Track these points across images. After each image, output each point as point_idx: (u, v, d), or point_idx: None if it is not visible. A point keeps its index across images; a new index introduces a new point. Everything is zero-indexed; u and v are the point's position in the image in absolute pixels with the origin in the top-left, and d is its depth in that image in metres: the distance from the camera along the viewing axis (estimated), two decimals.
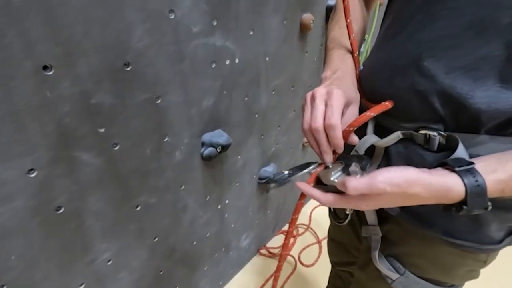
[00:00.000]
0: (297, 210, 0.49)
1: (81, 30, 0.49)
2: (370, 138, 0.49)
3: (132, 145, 0.66)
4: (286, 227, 1.70)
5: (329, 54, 0.54)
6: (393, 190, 0.35)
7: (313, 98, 0.43)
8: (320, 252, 1.54)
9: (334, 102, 0.41)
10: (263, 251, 1.52)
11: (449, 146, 0.40)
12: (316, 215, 1.77)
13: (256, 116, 1.02)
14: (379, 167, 0.50)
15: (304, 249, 1.55)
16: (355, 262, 0.68)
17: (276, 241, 1.60)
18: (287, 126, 1.24)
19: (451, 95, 0.39)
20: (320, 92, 0.43)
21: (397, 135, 0.46)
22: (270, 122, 1.11)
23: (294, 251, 1.54)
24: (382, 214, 0.54)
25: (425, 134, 0.42)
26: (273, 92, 1.05)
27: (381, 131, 0.50)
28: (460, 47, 0.38)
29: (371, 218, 0.54)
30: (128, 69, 0.58)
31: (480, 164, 0.35)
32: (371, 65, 0.51)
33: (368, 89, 0.51)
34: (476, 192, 0.33)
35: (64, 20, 0.47)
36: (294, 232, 1.66)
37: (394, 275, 0.53)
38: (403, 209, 0.48)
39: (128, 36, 0.56)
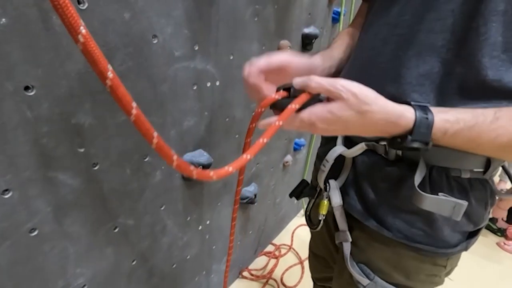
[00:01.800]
0: (248, 134, 0.51)
1: (63, 53, 0.51)
2: (338, 149, 0.53)
3: (111, 165, 0.66)
4: (268, 248, 1.68)
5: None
6: (348, 97, 0.37)
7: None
8: (302, 272, 1.53)
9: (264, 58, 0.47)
10: (245, 273, 1.49)
11: (407, 158, 0.44)
12: (298, 235, 1.78)
13: (237, 136, 1.04)
14: (348, 177, 0.54)
15: (286, 270, 1.54)
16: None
17: (258, 263, 1.58)
18: (267, 146, 1.26)
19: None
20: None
21: (361, 146, 0.50)
22: (250, 142, 1.13)
23: (277, 272, 1.53)
24: (350, 222, 0.57)
25: (385, 145, 0.46)
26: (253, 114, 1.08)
27: (349, 142, 0.54)
28: (405, 67, 0.44)
29: (342, 225, 0.57)
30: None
31: (434, 107, 0.39)
32: (346, 72, 0.56)
33: None
34: (423, 124, 0.37)
35: (47, 43, 0.48)
36: (277, 253, 1.65)
37: (365, 281, 0.56)
38: (368, 212, 0.51)
39: (110, 60, 0.58)
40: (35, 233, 0.56)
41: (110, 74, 0.29)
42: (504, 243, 1.92)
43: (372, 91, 0.39)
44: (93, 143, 0.60)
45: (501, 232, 2.01)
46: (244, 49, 0.91)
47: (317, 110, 0.40)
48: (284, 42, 1.07)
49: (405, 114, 0.38)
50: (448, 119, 0.37)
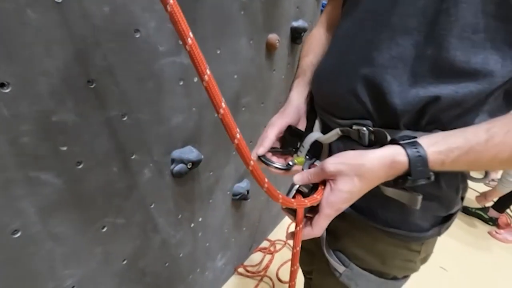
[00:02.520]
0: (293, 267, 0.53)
1: (41, 49, 0.49)
2: (314, 134, 0.54)
3: (97, 164, 0.64)
4: (263, 245, 1.68)
5: (290, 90, 0.61)
6: (341, 169, 0.40)
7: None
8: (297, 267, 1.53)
9: (267, 133, 0.52)
10: (241, 270, 1.49)
11: (379, 141, 0.45)
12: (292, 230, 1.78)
13: None
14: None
15: (282, 265, 1.54)
16: None
17: (254, 259, 1.58)
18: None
19: (374, 91, 0.44)
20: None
21: (336, 132, 0.50)
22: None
23: (273, 268, 1.53)
24: None
25: (358, 130, 0.47)
26: (243, 109, 1.07)
27: (326, 129, 0.55)
28: (378, 49, 0.44)
29: None
30: (92, 86, 0.58)
31: (423, 139, 0.39)
32: (317, 69, 0.57)
33: (315, 89, 0.57)
34: (418, 162, 0.37)
35: (23, 39, 0.47)
36: (272, 249, 1.65)
37: (341, 268, 0.57)
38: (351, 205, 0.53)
39: (91, 55, 0.57)
40: (18, 234, 0.55)
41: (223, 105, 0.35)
42: (496, 232, 1.94)
43: (351, 151, 0.42)
44: (77, 141, 0.59)
45: (492, 221, 2.04)
46: (231, 44, 0.90)
47: (332, 198, 0.42)
48: (273, 36, 1.06)
49: (397, 158, 0.38)
50: (441, 151, 0.37)
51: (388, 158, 0.39)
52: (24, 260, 0.58)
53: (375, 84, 0.44)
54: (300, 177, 0.47)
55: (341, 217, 0.54)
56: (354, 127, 0.47)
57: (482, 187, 2.21)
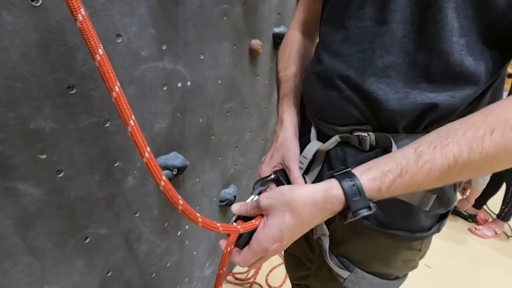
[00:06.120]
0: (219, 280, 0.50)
1: (16, 53, 0.47)
2: (315, 144, 0.53)
3: (78, 172, 0.62)
4: None
5: (279, 109, 0.60)
6: (272, 202, 0.40)
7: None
8: (286, 272, 1.53)
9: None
10: (229, 278, 1.47)
11: (380, 145, 0.45)
12: None
13: (212, 138, 1.03)
14: (321, 169, 0.55)
15: (270, 271, 1.53)
16: (309, 275, 0.69)
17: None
18: (244, 147, 1.26)
19: (371, 99, 0.45)
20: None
21: (335, 139, 0.50)
22: (226, 143, 1.12)
23: (261, 274, 1.52)
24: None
25: (358, 135, 0.47)
26: (228, 114, 1.07)
27: (322, 137, 0.54)
28: (370, 58, 0.44)
29: None
30: (73, 92, 0.57)
31: (357, 168, 0.38)
32: (307, 78, 0.57)
33: (307, 97, 0.56)
34: (354, 192, 0.36)
35: None
36: None
37: (345, 273, 0.56)
38: None
39: (71, 60, 0.55)
40: None
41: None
42: (475, 228, 2.02)
43: (285, 186, 0.44)
44: (56, 149, 0.57)
45: (472, 218, 2.12)
46: (214, 49, 0.90)
47: (260, 235, 0.41)
48: (256, 42, 1.08)
49: (331, 191, 0.37)
50: (375, 177, 0.36)
51: (321, 192, 0.38)
52: (0, 277, 0.54)
53: (371, 93, 0.44)
54: (238, 208, 0.46)
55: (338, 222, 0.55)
56: (355, 133, 0.47)
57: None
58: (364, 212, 0.36)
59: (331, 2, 0.52)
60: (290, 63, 0.62)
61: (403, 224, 0.50)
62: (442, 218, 0.54)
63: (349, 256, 0.57)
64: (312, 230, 0.61)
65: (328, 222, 0.57)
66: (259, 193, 0.51)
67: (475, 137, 0.33)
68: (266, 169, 0.55)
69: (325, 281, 0.61)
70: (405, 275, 0.60)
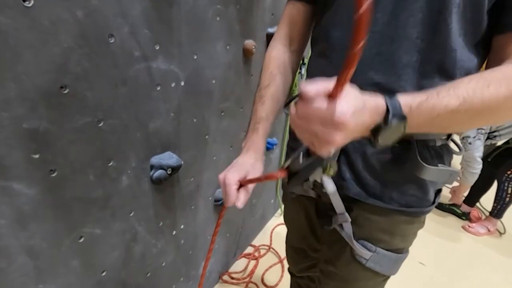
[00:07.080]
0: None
1: (10, 53, 0.48)
2: None
3: (72, 172, 0.63)
4: (247, 250, 1.67)
5: (250, 131, 0.66)
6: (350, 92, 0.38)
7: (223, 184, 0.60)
8: (282, 271, 1.54)
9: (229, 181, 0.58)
10: (225, 277, 1.47)
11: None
12: (277, 234, 1.79)
13: (207, 137, 1.03)
14: (338, 161, 0.58)
15: (267, 270, 1.54)
16: (315, 264, 0.75)
17: (239, 266, 1.56)
18: (239, 146, 1.26)
19: (389, 94, 0.46)
20: (222, 181, 0.60)
21: None
22: (221, 143, 1.13)
23: (257, 273, 1.52)
24: (348, 204, 0.60)
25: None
26: (222, 114, 1.08)
27: None
28: (390, 60, 0.50)
29: (339, 208, 0.60)
30: (66, 92, 0.57)
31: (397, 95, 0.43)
32: (319, 70, 0.58)
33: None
34: (393, 101, 0.41)
35: None
36: (256, 254, 1.65)
37: (367, 254, 0.62)
38: (366, 191, 0.59)
39: (64, 60, 0.56)
40: None
41: None
42: (469, 226, 2.04)
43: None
44: (50, 149, 0.57)
45: (465, 216, 2.14)
46: (208, 49, 0.91)
47: (341, 101, 0.36)
48: (249, 42, 1.09)
49: (379, 101, 0.41)
50: (407, 98, 0.42)
51: (374, 100, 0.41)
52: None
53: (390, 90, 0.48)
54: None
55: (360, 207, 0.61)
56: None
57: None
58: (399, 120, 0.41)
59: (333, 9, 0.55)
60: (270, 81, 0.65)
61: (418, 201, 0.58)
62: (438, 192, 0.62)
63: (371, 238, 0.62)
64: (330, 219, 0.64)
65: (348, 210, 0.61)
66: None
67: (477, 87, 0.41)
68: (232, 177, 0.59)
69: (346, 265, 0.65)
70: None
